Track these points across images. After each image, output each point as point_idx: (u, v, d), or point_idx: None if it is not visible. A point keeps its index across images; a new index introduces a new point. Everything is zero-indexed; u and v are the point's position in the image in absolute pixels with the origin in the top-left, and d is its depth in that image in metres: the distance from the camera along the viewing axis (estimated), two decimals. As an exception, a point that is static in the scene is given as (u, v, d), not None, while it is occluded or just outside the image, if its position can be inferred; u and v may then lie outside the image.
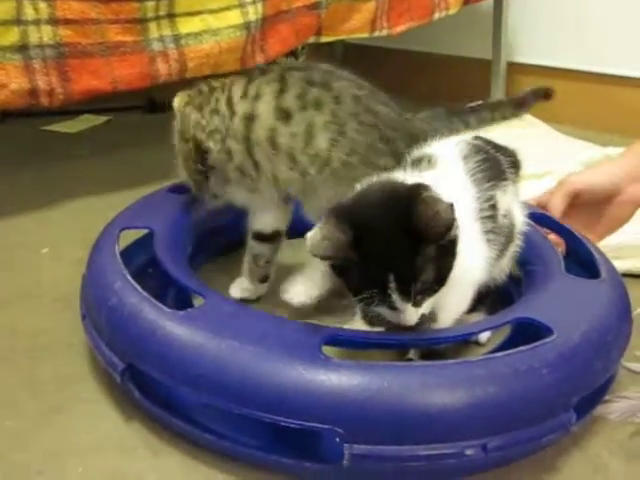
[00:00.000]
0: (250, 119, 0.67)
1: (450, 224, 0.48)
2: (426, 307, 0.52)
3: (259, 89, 0.68)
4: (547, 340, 0.52)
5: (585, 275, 0.65)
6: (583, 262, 0.68)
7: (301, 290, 0.67)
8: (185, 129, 0.75)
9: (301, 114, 0.65)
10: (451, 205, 0.49)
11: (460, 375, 0.49)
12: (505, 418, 0.48)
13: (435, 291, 0.52)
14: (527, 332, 0.59)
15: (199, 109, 0.73)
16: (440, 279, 0.51)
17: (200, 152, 0.73)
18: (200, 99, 0.74)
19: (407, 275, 0.50)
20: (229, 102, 0.70)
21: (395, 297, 0.50)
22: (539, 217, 0.78)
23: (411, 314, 0.51)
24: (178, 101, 0.77)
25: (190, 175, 0.76)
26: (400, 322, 0.52)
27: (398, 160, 0.64)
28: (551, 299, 0.59)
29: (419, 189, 0.52)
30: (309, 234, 0.51)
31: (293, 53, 1.24)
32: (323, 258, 0.52)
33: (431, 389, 0.48)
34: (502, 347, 0.61)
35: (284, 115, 0.66)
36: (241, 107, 0.68)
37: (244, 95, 0.69)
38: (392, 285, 0.49)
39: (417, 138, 0.66)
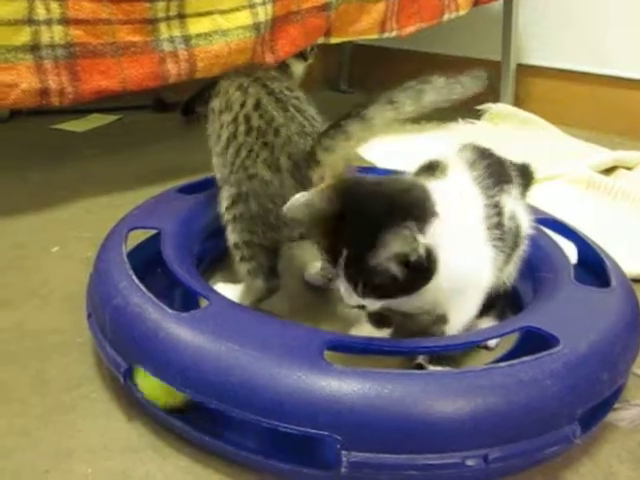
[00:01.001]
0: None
1: (404, 256, 0.50)
2: (373, 303, 0.54)
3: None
4: (552, 350, 0.52)
5: (595, 283, 0.65)
6: (593, 269, 0.67)
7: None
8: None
9: (221, 115, 0.71)
10: (416, 240, 0.50)
11: (462, 384, 0.49)
12: (507, 429, 0.48)
13: (390, 297, 0.53)
14: (535, 340, 0.59)
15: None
16: (401, 290, 0.52)
17: None
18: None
19: (356, 266, 0.51)
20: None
21: (341, 274, 0.52)
22: (549, 222, 0.78)
23: (348, 296, 0.53)
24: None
25: None
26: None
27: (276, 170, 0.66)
28: (559, 308, 0.59)
29: (410, 208, 0.52)
30: (292, 198, 0.53)
31: (302, 54, 1.24)
32: (294, 221, 0.54)
33: (432, 398, 0.48)
34: (510, 354, 0.61)
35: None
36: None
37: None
38: (342, 262, 0.52)
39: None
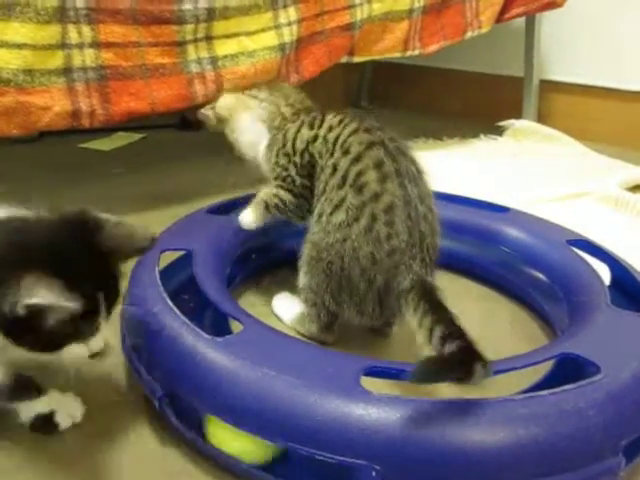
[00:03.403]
0: None
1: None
2: None
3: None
4: (594, 379, 0.51)
5: (631, 307, 0.63)
6: (629, 293, 0.66)
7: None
8: None
9: (345, 187, 0.65)
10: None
11: (503, 413, 0.49)
12: (548, 461, 0.47)
13: None
14: (570, 367, 0.58)
15: None
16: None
17: None
18: None
19: None
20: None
21: None
22: (581, 244, 0.77)
23: None
24: None
25: None
26: None
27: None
28: (597, 334, 0.58)
29: None
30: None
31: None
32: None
33: (473, 427, 0.47)
34: (544, 382, 0.60)
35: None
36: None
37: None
38: None
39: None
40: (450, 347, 0.52)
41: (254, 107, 0.79)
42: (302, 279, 0.69)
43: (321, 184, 0.68)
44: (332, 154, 0.67)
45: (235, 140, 0.81)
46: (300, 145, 0.70)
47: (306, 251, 0.68)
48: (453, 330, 0.54)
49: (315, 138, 0.69)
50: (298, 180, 0.71)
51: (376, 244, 0.62)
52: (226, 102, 0.83)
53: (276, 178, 0.73)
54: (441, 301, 0.59)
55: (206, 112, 0.84)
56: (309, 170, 0.70)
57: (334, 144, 0.67)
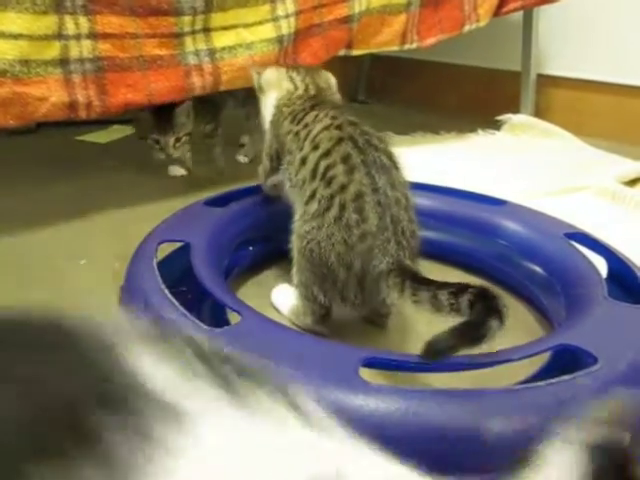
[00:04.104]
0: None
1: None
2: None
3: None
4: (591, 369, 0.51)
5: (627, 299, 0.64)
6: (626, 286, 0.66)
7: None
8: None
9: (315, 180, 0.69)
10: None
11: (501, 404, 0.49)
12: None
13: None
14: (567, 358, 0.58)
15: None
16: None
17: None
18: None
19: None
20: None
21: None
22: (579, 236, 0.77)
23: None
24: None
25: None
26: None
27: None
28: (594, 325, 0.58)
29: None
30: None
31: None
32: None
33: (470, 417, 0.48)
34: (541, 373, 0.60)
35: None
36: None
37: None
38: None
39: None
40: (466, 298, 0.53)
41: (284, 88, 0.82)
42: (295, 276, 0.71)
43: (292, 174, 0.73)
44: (301, 149, 0.71)
45: (261, 113, 0.86)
46: (281, 132, 0.77)
47: (294, 245, 0.70)
48: (455, 287, 0.55)
49: (289, 132, 0.75)
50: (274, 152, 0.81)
51: (347, 230, 0.64)
52: (268, 75, 0.86)
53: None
54: (425, 277, 0.60)
55: (254, 73, 0.88)
56: (278, 154, 0.79)
57: (304, 140, 0.71)
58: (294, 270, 0.70)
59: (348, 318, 0.75)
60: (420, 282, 0.59)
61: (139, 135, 1.20)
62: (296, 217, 0.70)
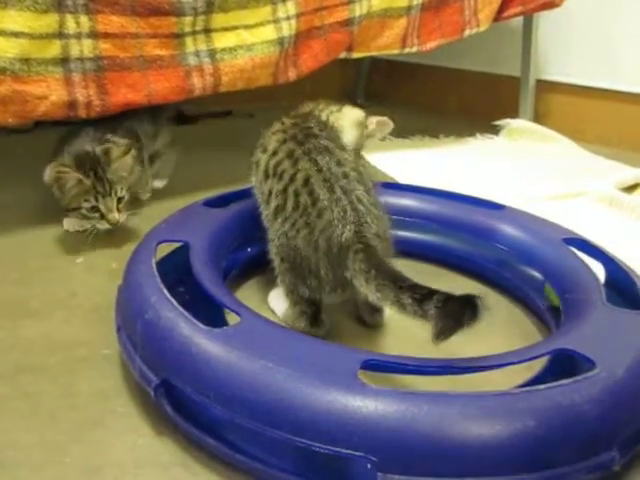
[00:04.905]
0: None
1: None
2: None
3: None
4: (589, 374, 0.51)
5: (626, 305, 0.64)
6: (624, 292, 0.66)
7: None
8: None
9: (268, 179, 0.74)
10: None
11: (499, 407, 0.49)
12: (545, 454, 0.47)
13: None
14: (565, 363, 0.58)
15: None
16: None
17: None
18: None
19: None
20: None
21: None
22: (577, 242, 0.77)
23: None
24: None
25: None
26: None
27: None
28: (592, 330, 0.58)
29: None
30: None
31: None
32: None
33: (470, 420, 0.48)
34: (539, 377, 0.60)
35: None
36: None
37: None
38: None
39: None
40: (432, 305, 0.54)
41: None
42: (281, 285, 0.73)
43: (256, 187, 0.78)
44: (254, 155, 0.78)
45: None
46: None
47: (272, 252, 0.73)
48: (419, 293, 0.55)
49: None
50: None
51: (305, 213, 0.68)
52: None
53: None
54: (390, 267, 0.61)
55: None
56: None
57: (257, 147, 0.78)
58: (279, 279, 0.73)
59: (345, 321, 0.75)
60: (385, 276, 0.60)
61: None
62: (266, 226, 0.74)
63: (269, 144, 0.75)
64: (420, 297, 0.54)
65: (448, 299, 0.54)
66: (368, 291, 0.61)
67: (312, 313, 0.71)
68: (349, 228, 0.65)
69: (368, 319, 0.75)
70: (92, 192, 0.90)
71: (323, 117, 0.87)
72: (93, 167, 0.91)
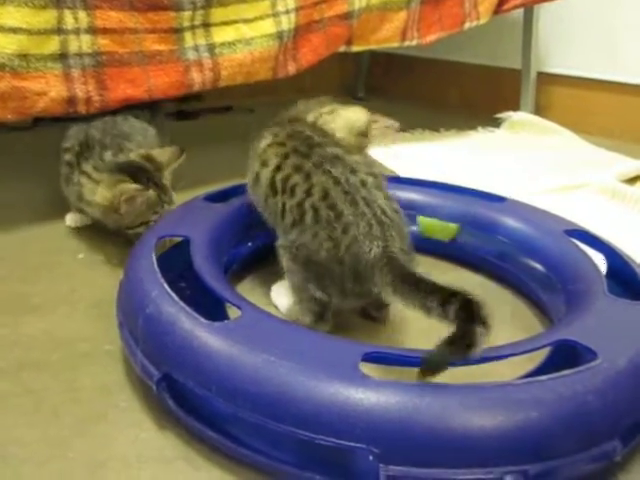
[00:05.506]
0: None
1: None
2: None
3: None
4: (591, 365, 0.51)
5: (627, 295, 0.64)
6: (625, 282, 0.66)
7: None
8: None
9: (277, 195, 0.71)
10: None
11: (501, 398, 0.49)
12: (547, 444, 0.47)
13: None
14: (567, 354, 0.58)
15: None
16: None
17: None
18: None
19: None
20: None
21: None
22: (579, 234, 0.77)
23: None
24: None
25: None
26: None
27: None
28: (594, 321, 0.58)
29: None
30: None
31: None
32: None
33: (471, 411, 0.48)
34: (541, 368, 0.60)
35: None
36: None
37: None
38: None
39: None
40: (453, 307, 0.53)
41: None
42: (288, 281, 0.72)
43: (251, 192, 0.77)
44: (253, 167, 0.75)
45: None
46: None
47: (282, 258, 0.71)
48: (443, 295, 0.55)
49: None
50: None
51: (329, 226, 0.65)
52: None
53: None
54: (414, 275, 0.60)
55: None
56: None
57: (252, 158, 0.76)
58: (287, 275, 0.71)
59: (348, 313, 0.75)
60: (410, 285, 0.59)
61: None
62: (278, 233, 0.72)
63: (269, 158, 0.72)
64: (441, 302, 0.54)
65: (465, 302, 0.53)
66: (395, 300, 0.61)
67: (320, 311, 0.70)
68: (377, 244, 0.63)
69: (375, 314, 0.75)
70: (159, 203, 0.85)
71: (310, 118, 0.81)
72: (150, 177, 0.85)
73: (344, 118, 0.84)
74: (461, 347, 0.50)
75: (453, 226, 0.82)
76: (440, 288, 0.56)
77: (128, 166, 0.86)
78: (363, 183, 0.67)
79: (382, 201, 0.66)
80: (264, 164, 0.72)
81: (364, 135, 0.84)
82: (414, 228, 0.87)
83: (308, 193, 0.67)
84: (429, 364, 0.51)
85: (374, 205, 0.65)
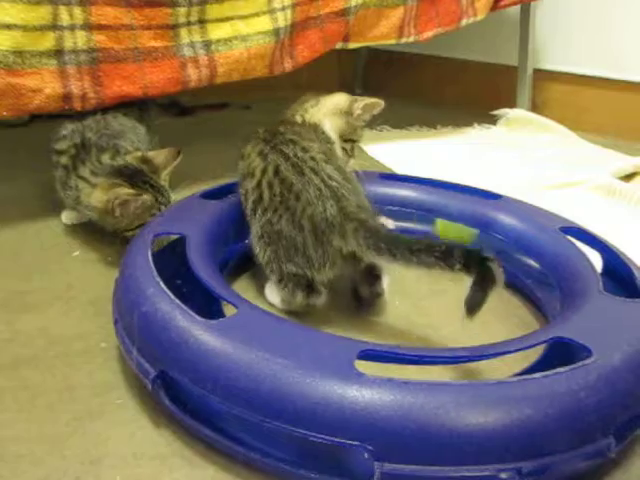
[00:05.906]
0: None
1: None
2: None
3: None
4: (586, 362, 0.51)
5: (622, 293, 0.64)
6: (621, 280, 0.66)
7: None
8: None
9: (244, 180, 0.79)
10: None
11: (496, 396, 0.49)
12: (541, 442, 0.47)
13: None
14: (562, 351, 0.58)
15: None
16: None
17: None
18: None
19: None
20: None
21: None
22: (574, 231, 0.77)
23: None
24: None
25: None
26: None
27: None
28: (589, 319, 0.59)
29: None
30: None
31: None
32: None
33: (466, 409, 0.48)
34: (536, 366, 0.60)
35: None
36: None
37: None
38: None
39: None
40: (456, 255, 0.59)
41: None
42: (265, 268, 0.75)
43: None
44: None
45: None
46: None
47: (254, 249, 0.75)
48: (441, 249, 0.60)
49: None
50: None
51: (283, 199, 0.71)
52: None
53: None
54: (397, 236, 0.66)
55: None
56: None
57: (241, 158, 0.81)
58: (267, 271, 0.75)
59: (342, 309, 0.75)
60: (401, 246, 0.62)
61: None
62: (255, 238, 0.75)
63: (246, 151, 0.79)
64: (441, 255, 0.59)
65: (467, 254, 0.59)
66: (383, 261, 0.66)
67: (305, 283, 0.73)
68: (330, 204, 0.68)
69: (368, 292, 0.75)
70: (156, 205, 0.85)
71: (297, 119, 0.87)
72: (146, 180, 0.85)
73: (327, 104, 0.91)
74: (486, 284, 0.57)
75: (470, 231, 0.82)
76: (432, 243, 0.61)
77: (124, 169, 0.86)
78: (312, 158, 0.73)
79: (330, 170, 0.72)
80: (241, 157, 0.80)
81: (349, 113, 0.90)
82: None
83: (263, 172, 0.74)
84: (471, 308, 0.58)
85: (321, 173, 0.71)
